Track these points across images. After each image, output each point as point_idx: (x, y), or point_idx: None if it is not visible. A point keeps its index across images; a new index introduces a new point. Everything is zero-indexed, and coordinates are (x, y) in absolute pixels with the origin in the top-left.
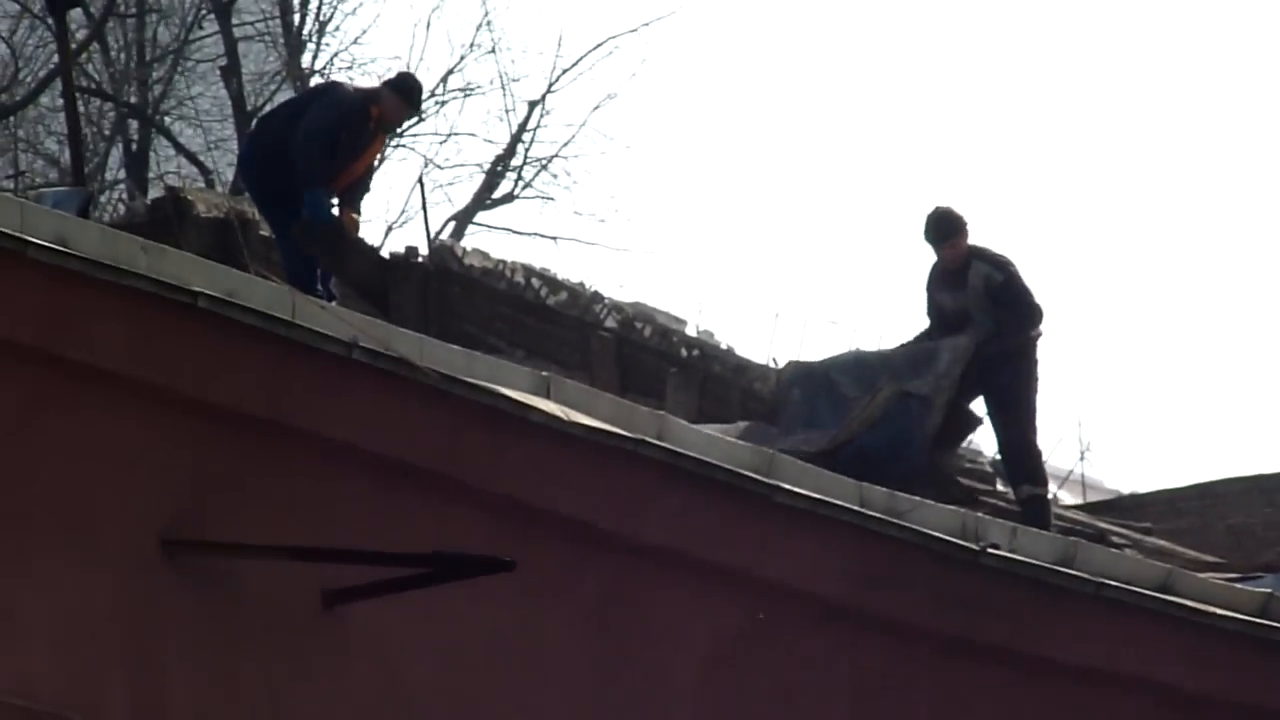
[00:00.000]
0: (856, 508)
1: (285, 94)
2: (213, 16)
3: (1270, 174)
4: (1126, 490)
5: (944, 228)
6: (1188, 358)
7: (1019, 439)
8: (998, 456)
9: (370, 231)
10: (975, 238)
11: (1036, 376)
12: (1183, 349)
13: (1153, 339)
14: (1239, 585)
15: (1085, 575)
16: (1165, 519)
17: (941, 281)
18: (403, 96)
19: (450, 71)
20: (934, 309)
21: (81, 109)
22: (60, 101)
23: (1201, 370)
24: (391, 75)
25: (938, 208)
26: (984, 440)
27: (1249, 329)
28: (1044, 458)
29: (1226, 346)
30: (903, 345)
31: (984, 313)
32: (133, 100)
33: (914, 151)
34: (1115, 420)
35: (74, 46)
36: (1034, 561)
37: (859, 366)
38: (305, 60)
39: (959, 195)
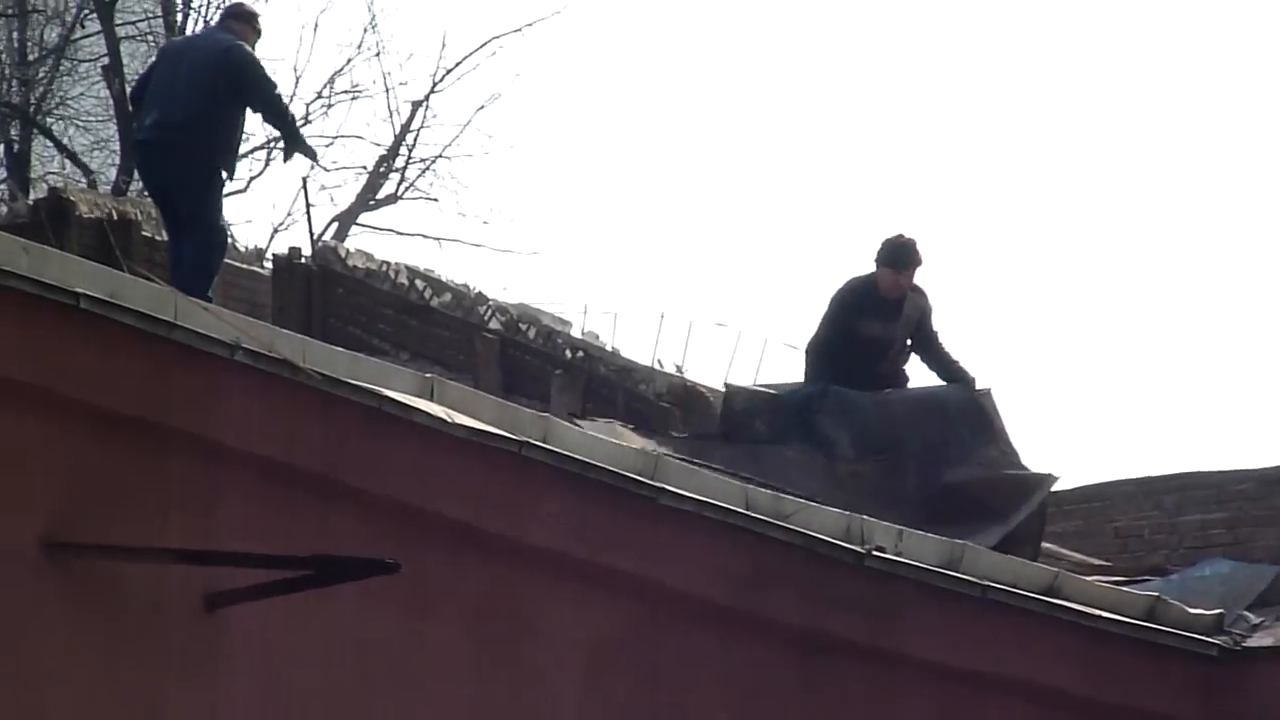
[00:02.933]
0: (742, 510)
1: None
2: (95, 16)
3: (1119, 163)
4: None
5: (913, 256)
6: (1074, 360)
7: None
8: None
9: (255, 234)
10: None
11: None
12: (1069, 351)
13: (1039, 340)
14: (1126, 588)
15: (971, 578)
16: (1052, 521)
17: (873, 309)
18: (249, 22)
19: (336, 74)
20: (852, 334)
21: None
22: None
23: (1089, 372)
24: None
25: (905, 236)
26: None
27: (1136, 332)
28: None
29: (1114, 349)
30: (879, 394)
31: (900, 346)
32: (14, 100)
33: (797, 152)
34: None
35: None
36: (919, 564)
37: (843, 410)
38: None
39: (838, 195)
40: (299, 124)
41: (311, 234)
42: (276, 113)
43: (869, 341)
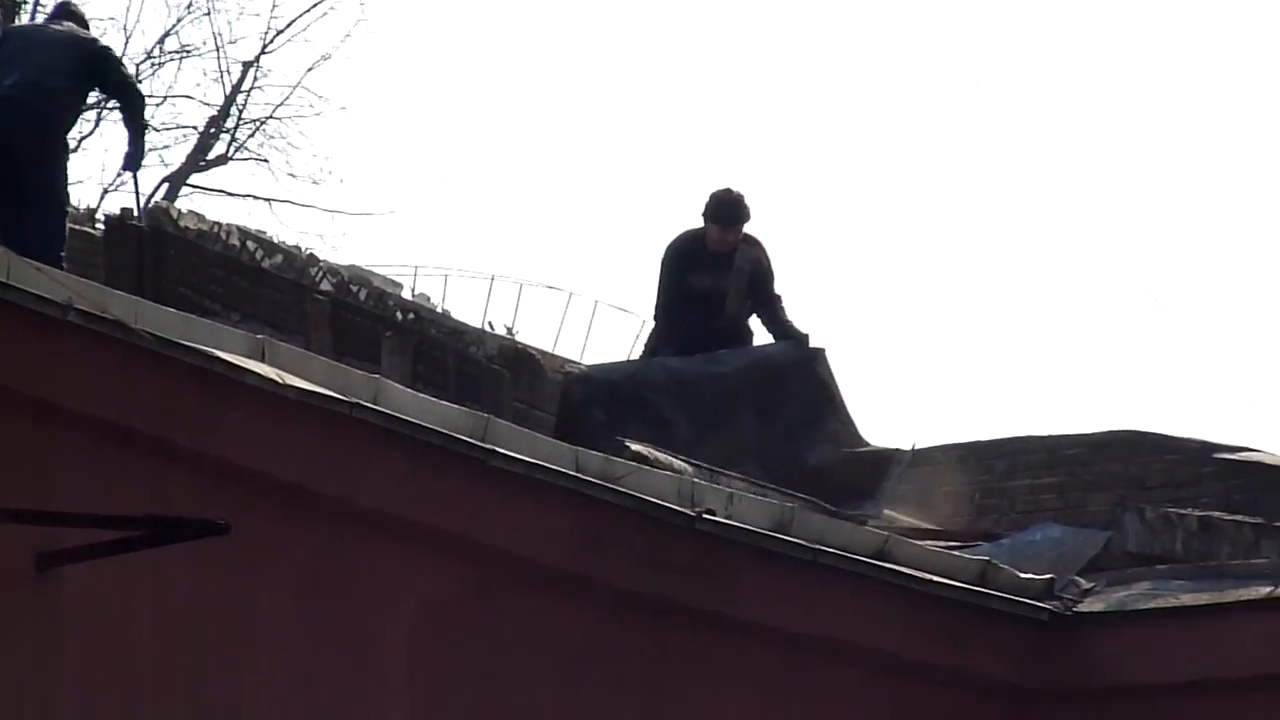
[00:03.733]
0: (572, 472)
1: None
2: None
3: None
4: None
5: (741, 213)
6: (903, 324)
7: None
8: None
9: (86, 194)
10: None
11: None
12: (898, 316)
13: (870, 303)
14: (957, 553)
15: (802, 541)
16: None
17: (702, 262)
18: (86, 26)
19: (166, 34)
20: (682, 289)
21: None
22: None
23: (917, 336)
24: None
25: (732, 191)
26: None
27: (965, 297)
28: None
29: (943, 314)
30: (713, 357)
31: (740, 296)
32: None
33: (627, 111)
34: None
35: None
36: (750, 527)
37: (679, 387)
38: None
39: (669, 156)
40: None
41: (139, 197)
42: (138, 117)
43: (701, 295)
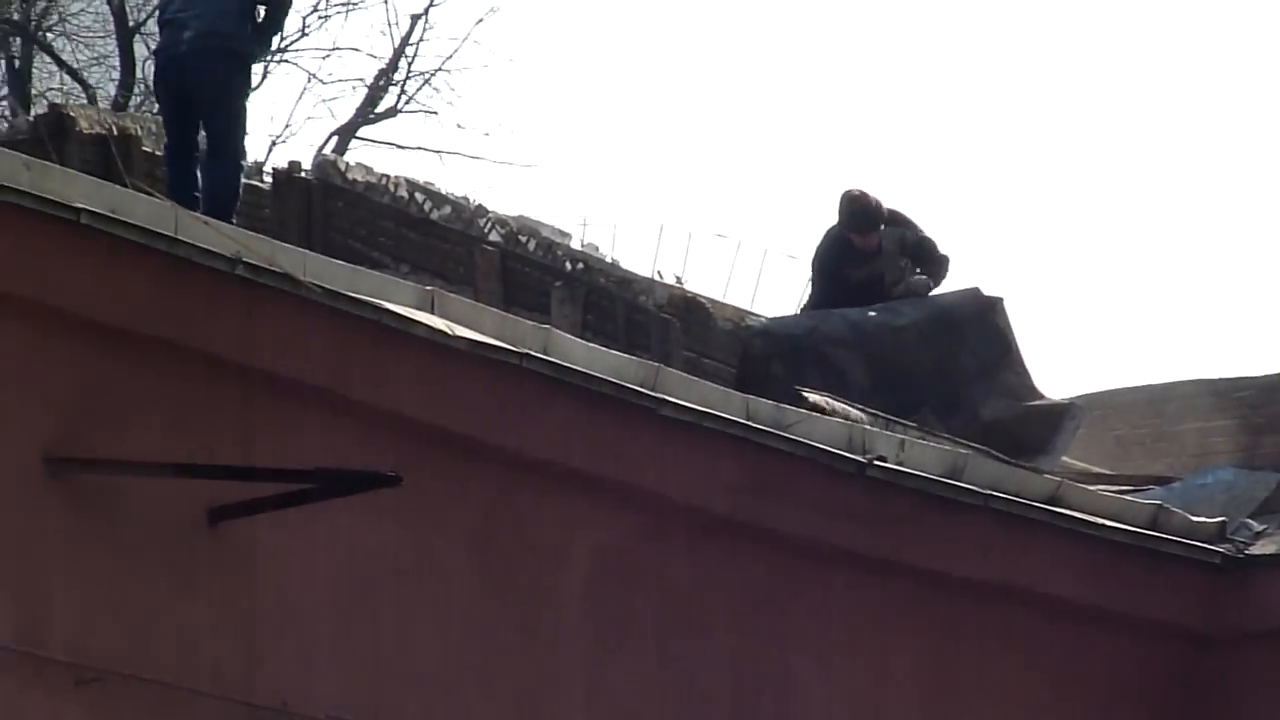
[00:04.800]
0: (743, 420)
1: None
2: None
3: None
4: None
5: (875, 218)
6: (1072, 267)
7: None
8: None
9: (254, 146)
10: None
11: None
12: (1066, 258)
13: (1037, 246)
14: (1128, 497)
15: (974, 487)
16: None
17: (852, 257)
18: None
19: None
20: (838, 281)
21: None
22: None
23: (1087, 279)
24: None
25: (861, 196)
26: None
27: (1137, 239)
28: None
29: (1113, 255)
30: (892, 308)
31: (896, 271)
32: (14, 17)
33: (798, 61)
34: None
35: None
36: (922, 474)
37: (857, 336)
38: None
39: (837, 104)
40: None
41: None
42: (280, 18)
43: (852, 285)
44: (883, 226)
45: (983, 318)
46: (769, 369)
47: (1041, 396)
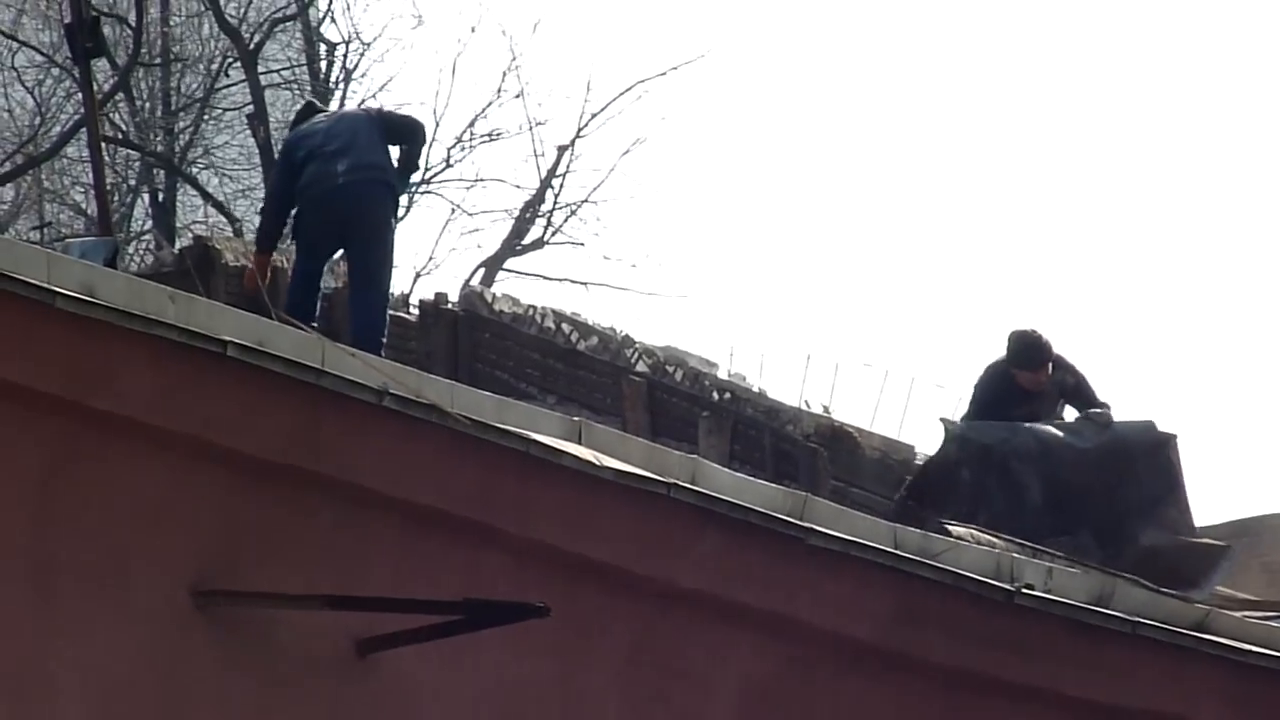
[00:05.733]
0: (891, 549)
1: None
2: (239, 65)
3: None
4: None
5: (1045, 354)
6: (1219, 389)
7: None
8: None
9: (399, 278)
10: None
11: None
12: (1212, 380)
13: (1178, 368)
14: (1276, 623)
15: (1122, 615)
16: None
17: (1014, 397)
18: None
19: (477, 117)
20: (996, 417)
21: (107, 159)
22: (86, 152)
23: (1235, 403)
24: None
25: (1033, 333)
26: None
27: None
28: None
29: (1256, 375)
30: (1075, 429)
31: (1053, 415)
32: (159, 149)
33: (942, 192)
34: None
35: (99, 96)
36: (1070, 601)
37: (1043, 451)
38: (333, 107)
39: (984, 237)
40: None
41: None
42: (418, 147)
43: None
44: (1050, 367)
45: (1155, 452)
46: (959, 474)
47: (1199, 535)
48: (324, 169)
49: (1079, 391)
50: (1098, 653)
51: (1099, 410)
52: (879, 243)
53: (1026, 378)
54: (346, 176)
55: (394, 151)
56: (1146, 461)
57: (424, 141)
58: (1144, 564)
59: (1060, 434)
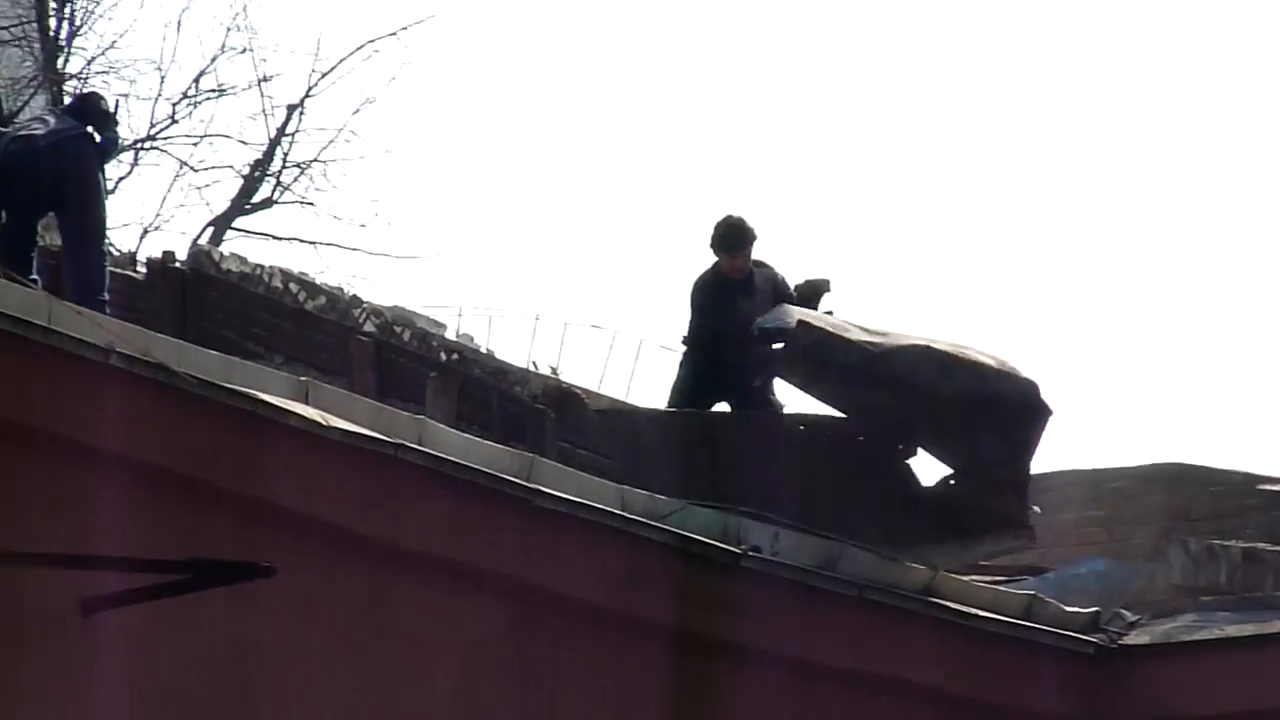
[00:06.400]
0: (617, 511)
1: (41, 98)
2: None
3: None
4: None
5: (746, 235)
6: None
7: None
8: None
9: (126, 236)
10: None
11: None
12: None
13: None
14: (1002, 587)
15: (848, 578)
16: None
17: (727, 293)
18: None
19: (203, 72)
20: (723, 320)
21: None
22: None
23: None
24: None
25: (732, 216)
26: None
27: (1008, 329)
28: None
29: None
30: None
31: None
32: None
33: (679, 157)
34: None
35: None
36: (796, 564)
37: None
38: (60, 64)
39: (708, 196)
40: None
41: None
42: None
43: (741, 325)
44: (752, 256)
45: (1023, 414)
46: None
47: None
48: (25, 137)
49: (787, 291)
50: (823, 616)
51: (821, 279)
52: (606, 203)
53: (727, 263)
54: (48, 139)
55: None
56: (1011, 418)
57: (117, 124)
58: (944, 497)
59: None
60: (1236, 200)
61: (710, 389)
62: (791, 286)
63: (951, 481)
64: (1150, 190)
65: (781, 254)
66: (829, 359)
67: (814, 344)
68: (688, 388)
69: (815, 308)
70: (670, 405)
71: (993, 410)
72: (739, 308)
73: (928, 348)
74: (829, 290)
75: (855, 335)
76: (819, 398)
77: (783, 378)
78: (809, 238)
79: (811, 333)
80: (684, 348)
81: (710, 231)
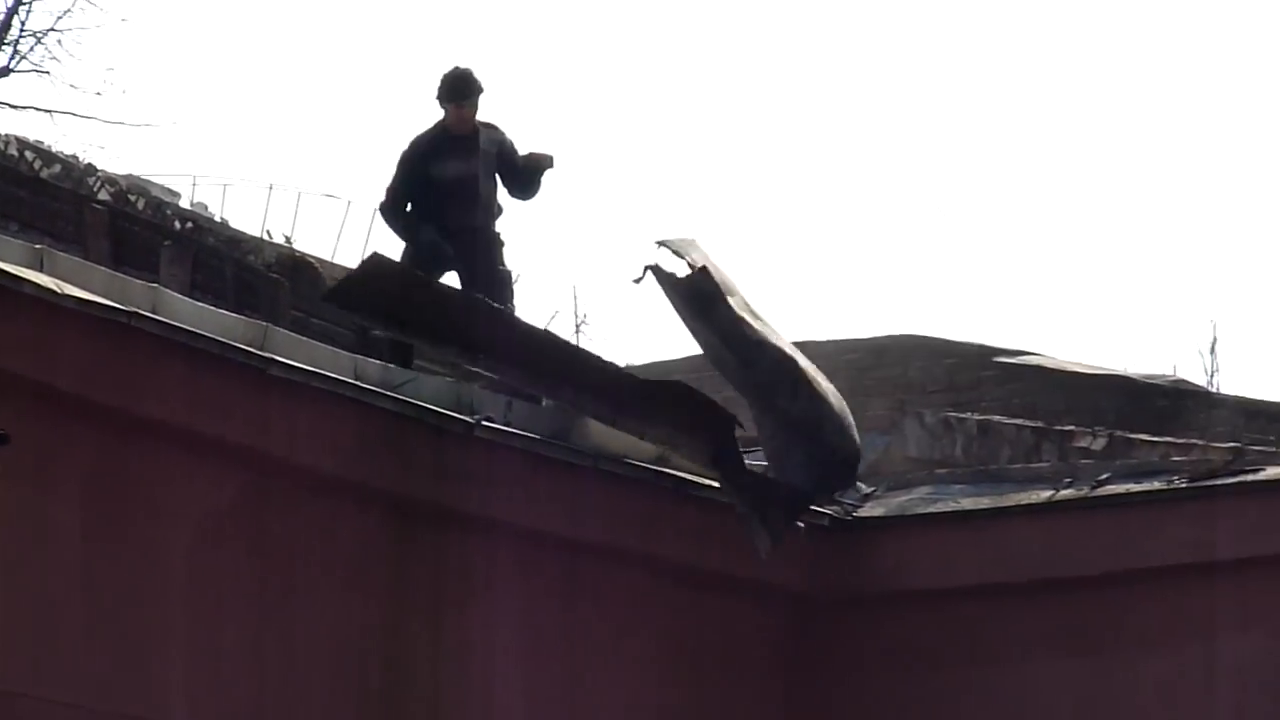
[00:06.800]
0: (351, 380)
1: None
2: None
3: None
4: (623, 362)
5: (474, 85)
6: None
7: None
8: None
9: None
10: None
11: (503, 245)
12: (686, 212)
13: (651, 197)
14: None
15: (581, 448)
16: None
17: (446, 150)
18: None
19: None
20: (430, 181)
21: None
22: None
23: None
24: None
25: (460, 67)
26: None
27: (744, 197)
28: None
29: (725, 211)
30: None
31: (490, 180)
32: None
33: (409, 13)
34: (611, 292)
35: None
36: (529, 434)
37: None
38: None
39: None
40: None
41: None
42: None
43: (452, 185)
44: (479, 115)
45: (836, 471)
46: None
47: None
48: None
49: (513, 155)
50: (557, 486)
51: (543, 153)
52: (336, 69)
53: (453, 113)
54: None
55: None
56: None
57: None
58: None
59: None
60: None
61: (440, 255)
62: (518, 154)
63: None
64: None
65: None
66: (708, 311)
67: (702, 292)
68: (420, 257)
69: (538, 181)
70: None
71: (813, 447)
72: (456, 169)
73: (793, 360)
74: (551, 166)
75: (738, 304)
76: (683, 320)
77: (665, 292)
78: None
79: (708, 282)
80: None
81: (439, 83)
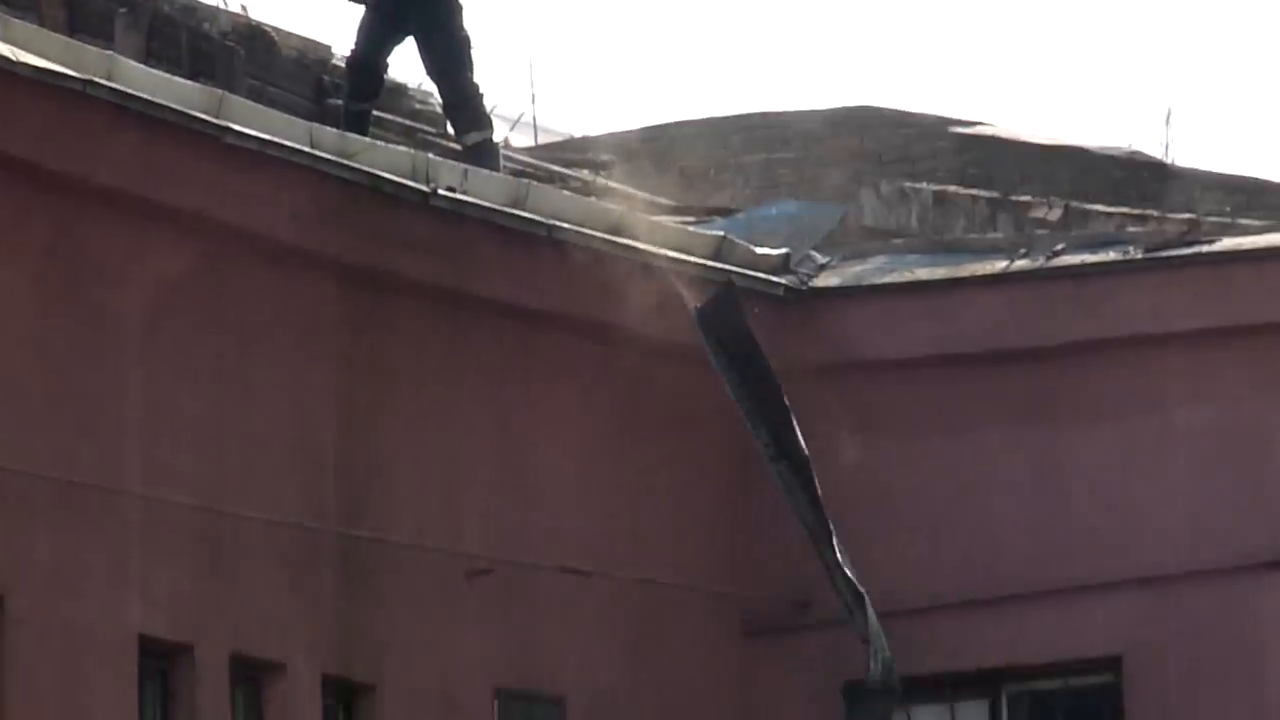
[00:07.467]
0: (307, 149)
1: None
2: None
3: None
4: (578, 134)
5: None
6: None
7: (458, 85)
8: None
9: None
10: None
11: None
12: None
13: None
14: (692, 228)
15: (537, 218)
16: (619, 161)
17: None
18: None
19: None
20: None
21: None
22: None
23: (648, 7)
24: None
25: None
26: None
27: None
28: (489, 101)
29: None
30: None
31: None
32: None
33: None
34: (565, 61)
35: None
36: (485, 203)
37: None
38: None
39: None
40: None
41: None
42: None
43: None
44: None
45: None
46: None
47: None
48: None
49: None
50: (513, 255)
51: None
52: None
53: None
54: None
55: None
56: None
57: None
58: None
59: None
60: None
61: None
62: None
63: None
64: None
65: None
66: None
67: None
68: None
69: None
70: (355, 44)
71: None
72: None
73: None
74: None
75: None
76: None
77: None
78: None
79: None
80: None
81: None
